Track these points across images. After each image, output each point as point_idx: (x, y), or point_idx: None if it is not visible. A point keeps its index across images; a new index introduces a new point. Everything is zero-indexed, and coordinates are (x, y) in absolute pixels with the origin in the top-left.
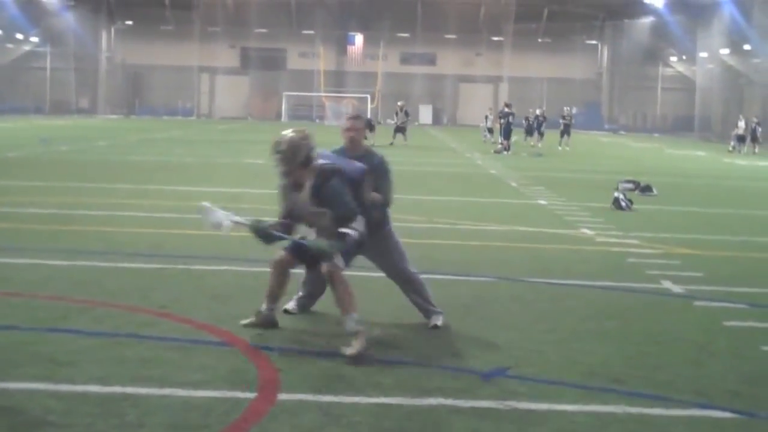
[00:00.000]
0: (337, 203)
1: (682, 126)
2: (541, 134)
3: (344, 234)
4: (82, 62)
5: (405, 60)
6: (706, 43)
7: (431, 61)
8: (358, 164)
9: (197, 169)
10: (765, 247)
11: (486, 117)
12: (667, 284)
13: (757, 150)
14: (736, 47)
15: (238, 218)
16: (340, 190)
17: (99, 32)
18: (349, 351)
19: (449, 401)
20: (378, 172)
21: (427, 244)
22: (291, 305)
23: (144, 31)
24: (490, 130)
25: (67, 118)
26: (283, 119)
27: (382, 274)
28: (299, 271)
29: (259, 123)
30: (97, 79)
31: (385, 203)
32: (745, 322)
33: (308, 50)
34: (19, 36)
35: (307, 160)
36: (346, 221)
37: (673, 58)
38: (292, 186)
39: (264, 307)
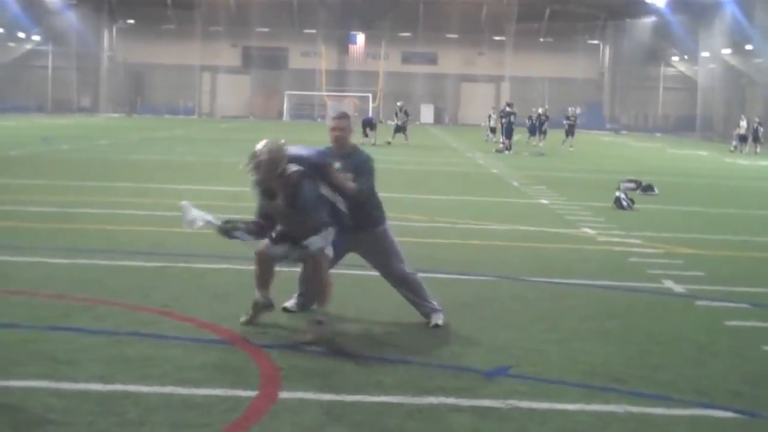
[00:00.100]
0: (310, 214)
1: (683, 126)
2: (543, 133)
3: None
4: (84, 61)
5: (407, 59)
6: (707, 42)
7: (433, 60)
8: (319, 149)
9: (199, 168)
10: (766, 246)
11: (489, 116)
12: (668, 284)
13: (758, 150)
14: (737, 47)
15: (210, 218)
16: (313, 202)
17: (101, 31)
18: (308, 337)
19: (450, 400)
20: (361, 169)
21: (428, 243)
22: (290, 303)
23: (146, 30)
24: (493, 130)
25: (69, 117)
26: (284, 118)
27: None
28: (297, 270)
29: (260, 122)
30: (99, 77)
31: (357, 193)
32: (746, 321)
33: (310, 49)
34: (21, 35)
35: (283, 171)
36: (315, 231)
37: (675, 58)
38: (265, 192)
39: (257, 294)
